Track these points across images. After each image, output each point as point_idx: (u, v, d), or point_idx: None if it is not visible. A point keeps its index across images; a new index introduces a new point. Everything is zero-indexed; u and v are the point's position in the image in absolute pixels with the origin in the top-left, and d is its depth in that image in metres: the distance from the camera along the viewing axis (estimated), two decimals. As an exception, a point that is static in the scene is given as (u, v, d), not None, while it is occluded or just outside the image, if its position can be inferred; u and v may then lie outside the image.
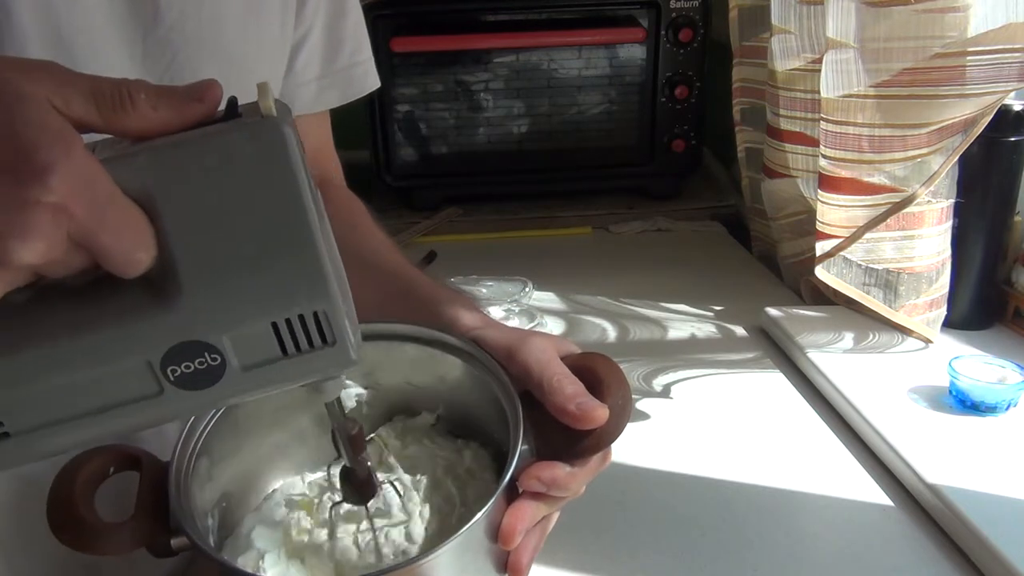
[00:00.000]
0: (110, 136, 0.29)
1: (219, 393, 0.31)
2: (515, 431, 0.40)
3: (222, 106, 0.30)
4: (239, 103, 0.30)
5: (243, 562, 0.42)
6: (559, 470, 0.41)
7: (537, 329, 0.92)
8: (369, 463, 0.41)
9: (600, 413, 0.40)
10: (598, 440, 0.41)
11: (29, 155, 0.25)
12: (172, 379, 0.30)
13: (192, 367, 0.30)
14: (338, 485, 0.42)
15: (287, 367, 0.31)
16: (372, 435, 0.47)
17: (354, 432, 0.40)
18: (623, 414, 0.41)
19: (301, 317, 0.30)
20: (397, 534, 0.43)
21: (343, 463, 0.41)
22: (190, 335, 0.29)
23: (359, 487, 0.41)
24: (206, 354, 0.30)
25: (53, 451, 0.31)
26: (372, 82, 0.71)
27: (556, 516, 0.45)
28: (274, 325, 0.30)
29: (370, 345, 0.48)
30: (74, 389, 0.29)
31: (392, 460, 0.47)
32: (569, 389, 0.41)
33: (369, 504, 0.42)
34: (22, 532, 0.50)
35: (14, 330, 0.28)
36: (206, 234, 0.29)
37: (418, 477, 0.46)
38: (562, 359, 0.44)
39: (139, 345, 0.29)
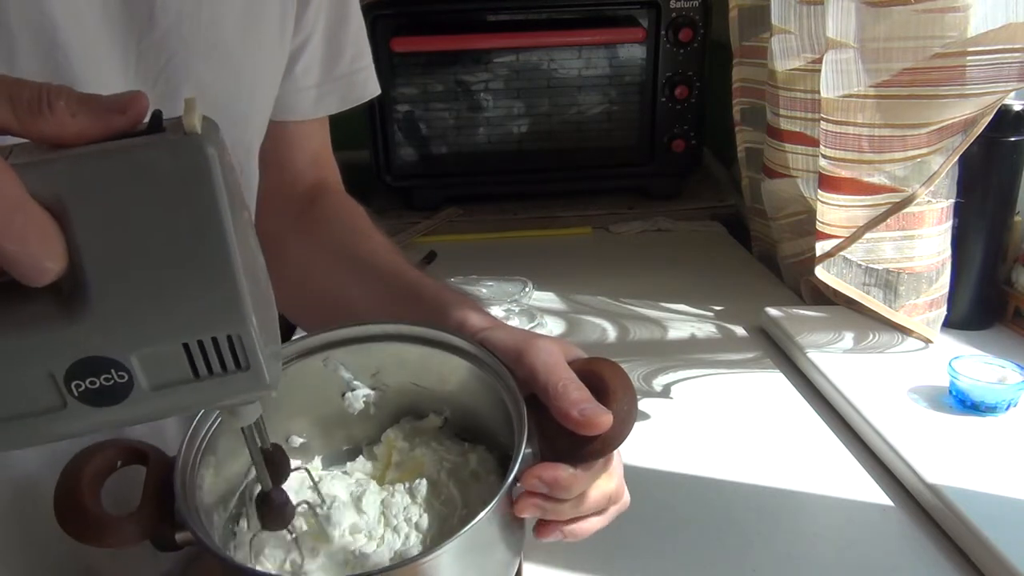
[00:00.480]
0: (28, 141, 0.28)
1: (125, 412, 0.30)
2: (519, 434, 0.40)
3: (148, 118, 0.29)
4: (164, 117, 0.29)
5: (245, 558, 0.42)
6: (561, 471, 0.41)
7: (537, 329, 0.92)
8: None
9: (604, 419, 0.40)
10: (602, 445, 0.41)
11: None
12: (76, 394, 0.29)
13: (98, 383, 0.29)
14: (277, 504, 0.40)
15: (198, 389, 0.30)
16: (300, 466, 0.46)
17: (278, 457, 0.39)
18: (628, 420, 0.41)
19: (214, 340, 0.29)
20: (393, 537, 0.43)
21: (258, 489, 0.40)
22: (96, 350, 0.28)
23: (271, 512, 0.40)
24: (113, 371, 0.29)
25: None
26: (372, 89, 0.71)
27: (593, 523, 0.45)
28: (185, 346, 0.29)
29: (377, 346, 0.48)
30: None
31: (315, 486, 0.46)
32: (574, 394, 0.41)
33: (289, 527, 0.41)
34: (20, 534, 0.50)
35: None
36: (119, 248, 0.28)
37: (417, 483, 0.46)
38: (569, 363, 0.43)
39: (43, 356, 0.28)
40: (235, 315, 0.29)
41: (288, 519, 0.40)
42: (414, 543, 0.43)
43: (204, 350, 0.29)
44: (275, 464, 0.39)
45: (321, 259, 0.62)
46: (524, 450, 0.40)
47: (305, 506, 0.44)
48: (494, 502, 0.38)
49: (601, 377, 0.43)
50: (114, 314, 0.28)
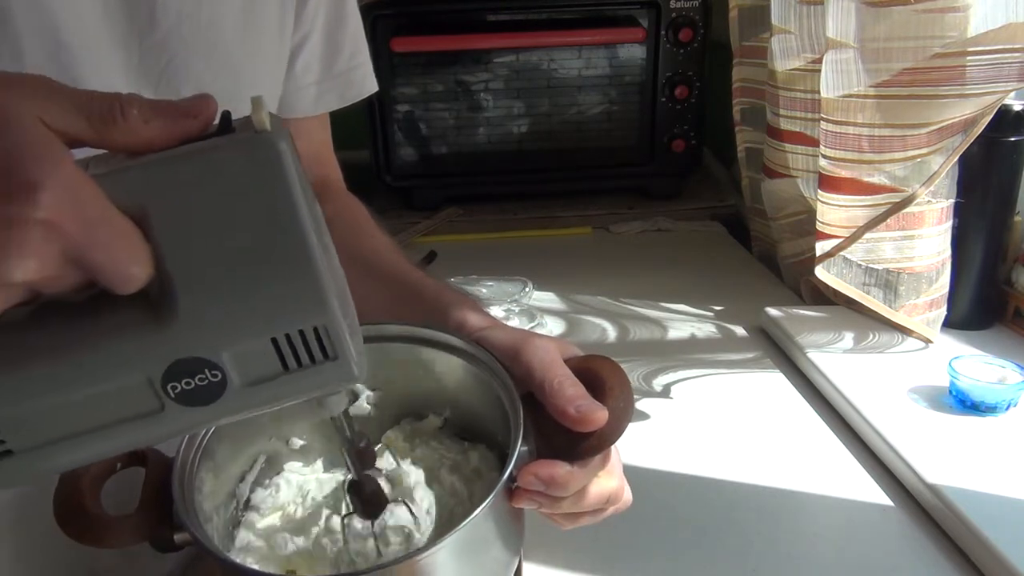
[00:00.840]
0: (104, 152, 0.29)
1: (221, 409, 0.30)
2: (515, 431, 0.41)
3: (217, 119, 0.30)
4: (233, 117, 0.30)
5: (243, 558, 0.42)
6: (558, 468, 0.41)
7: (537, 329, 0.92)
8: (380, 476, 0.41)
9: (599, 416, 0.40)
10: (599, 441, 0.41)
11: (16, 172, 0.25)
12: (173, 396, 0.30)
13: (193, 384, 0.29)
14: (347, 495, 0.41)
15: (289, 382, 0.31)
16: (379, 444, 0.47)
17: (362, 446, 0.40)
18: (624, 416, 0.42)
19: (301, 332, 0.30)
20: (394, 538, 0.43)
21: (351, 476, 0.40)
22: (190, 352, 0.29)
23: (366, 501, 0.41)
24: (206, 371, 0.29)
25: (56, 469, 0.31)
26: (370, 85, 0.71)
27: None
28: (274, 341, 0.30)
29: (376, 347, 0.48)
30: (75, 407, 0.29)
31: (404, 467, 0.47)
32: (569, 391, 0.41)
33: (376, 521, 0.42)
34: (22, 536, 0.50)
35: (14, 348, 0.28)
36: (202, 250, 0.28)
37: (421, 478, 0.46)
38: (566, 361, 0.44)
39: (139, 363, 0.29)
40: (319, 306, 0.30)
41: (383, 505, 0.41)
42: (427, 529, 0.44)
43: (292, 344, 0.30)
44: (361, 452, 0.40)
45: None
46: (520, 448, 0.40)
47: (400, 502, 0.44)
48: (489, 498, 0.38)
49: (597, 374, 0.43)
50: (203, 315, 0.29)
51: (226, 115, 0.30)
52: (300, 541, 0.44)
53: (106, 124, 0.28)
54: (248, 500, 0.47)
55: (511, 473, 0.40)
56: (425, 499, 0.45)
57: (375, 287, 0.58)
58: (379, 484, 0.41)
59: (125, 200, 0.27)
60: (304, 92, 0.66)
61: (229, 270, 0.29)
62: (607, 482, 0.45)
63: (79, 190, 0.26)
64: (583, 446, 0.41)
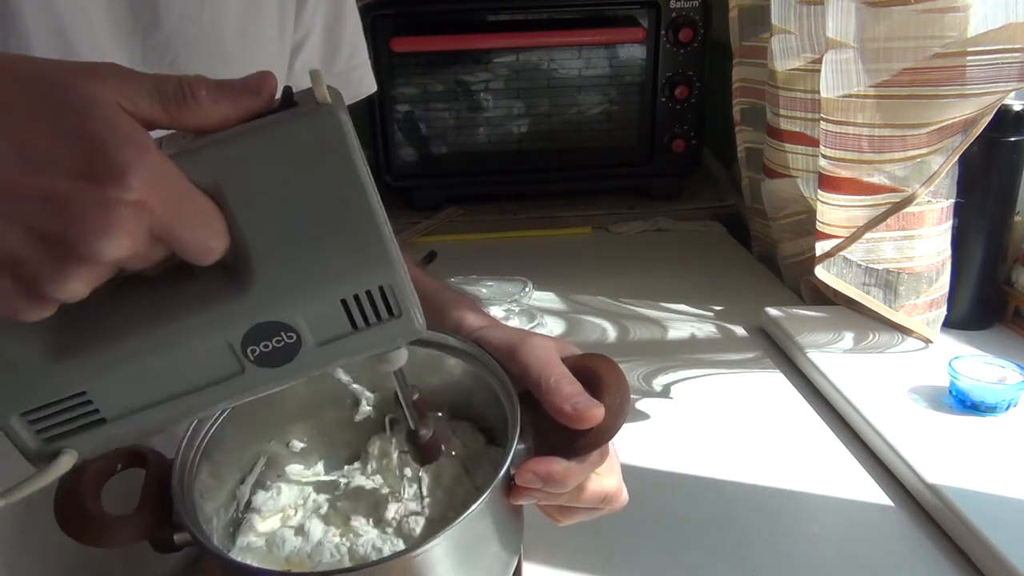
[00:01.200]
0: (173, 131, 0.30)
1: (296, 368, 0.32)
2: (512, 429, 0.41)
3: (278, 95, 0.31)
4: (294, 92, 0.31)
5: (243, 559, 0.42)
6: (555, 464, 0.41)
7: (537, 329, 0.92)
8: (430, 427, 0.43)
9: (596, 413, 0.41)
10: (595, 438, 0.41)
11: (106, 157, 0.26)
12: (252, 358, 0.32)
13: (270, 346, 0.31)
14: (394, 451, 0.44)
15: (358, 340, 0.33)
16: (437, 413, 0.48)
17: (416, 398, 0.41)
18: (620, 413, 0.42)
19: (368, 292, 0.32)
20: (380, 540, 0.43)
21: (407, 427, 0.42)
22: (266, 316, 0.31)
23: (423, 449, 0.42)
24: (282, 333, 0.31)
25: (146, 432, 0.33)
26: (369, 86, 0.72)
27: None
28: (343, 302, 0.32)
29: None
30: (162, 374, 0.31)
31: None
32: (566, 389, 0.41)
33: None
34: (25, 534, 0.50)
35: (102, 321, 0.30)
36: (273, 220, 0.30)
37: (421, 473, 0.46)
38: (563, 360, 0.44)
39: (220, 329, 0.31)
40: (385, 267, 0.31)
41: (438, 452, 0.43)
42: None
43: (360, 303, 0.32)
44: (416, 404, 0.42)
45: None
46: (517, 445, 0.40)
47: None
48: (486, 495, 0.38)
49: (594, 372, 0.43)
50: (277, 281, 0.30)
51: (287, 90, 0.31)
52: (299, 542, 0.44)
53: (178, 106, 0.29)
54: (249, 502, 0.47)
55: (508, 471, 0.40)
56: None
57: None
58: (435, 434, 0.42)
59: (200, 177, 0.29)
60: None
61: (300, 237, 0.30)
62: (606, 480, 0.45)
63: (163, 171, 0.27)
64: (580, 443, 0.41)
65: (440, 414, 0.50)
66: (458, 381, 0.48)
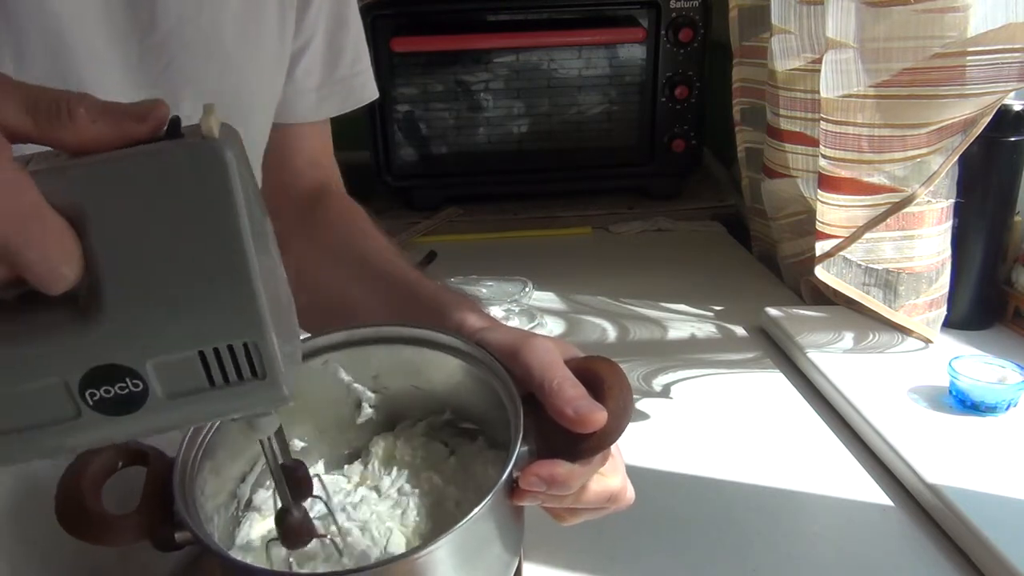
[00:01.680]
0: (48, 149, 0.28)
1: (140, 421, 0.29)
2: (515, 432, 0.41)
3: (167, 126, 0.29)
4: (182, 124, 0.29)
5: (243, 557, 0.42)
6: (558, 467, 0.41)
7: (537, 329, 0.92)
8: (317, 504, 0.41)
9: (598, 416, 0.40)
10: (598, 441, 0.41)
11: None
12: (91, 403, 0.29)
13: (112, 392, 0.29)
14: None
15: (214, 398, 0.30)
16: (316, 475, 0.46)
17: (299, 473, 0.39)
18: (623, 416, 0.42)
19: (230, 347, 0.29)
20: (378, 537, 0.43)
21: (275, 505, 0.39)
22: (110, 358, 0.28)
23: (287, 531, 0.39)
24: (127, 379, 0.29)
25: None
26: (371, 92, 0.72)
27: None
28: (201, 354, 0.29)
29: (376, 348, 0.48)
30: None
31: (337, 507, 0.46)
32: (568, 392, 0.41)
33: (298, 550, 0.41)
34: (24, 533, 0.50)
35: None
36: (135, 255, 0.28)
37: (412, 486, 0.46)
38: (565, 362, 0.44)
39: (58, 364, 0.28)
40: (251, 322, 0.29)
41: (306, 539, 0.40)
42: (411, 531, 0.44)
43: (220, 358, 0.29)
44: (296, 480, 0.39)
45: (322, 261, 0.63)
46: (520, 448, 0.40)
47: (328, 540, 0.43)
48: (488, 498, 0.38)
49: (596, 374, 0.43)
50: (129, 321, 0.28)
51: (175, 120, 0.29)
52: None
53: (51, 122, 0.27)
54: (249, 500, 0.47)
55: (511, 473, 0.40)
56: (393, 517, 0.45)
57: (373, 288, 0.58)
58: (306, 514, 0.39)
59: (62, 198, 0.27)
60: (305, 97, 0.66)
61: (161, 277, 0.28)
62: (610, 480, 0.45)
63: (12, 184, 0.25)
64: (583, 446, 0.41)
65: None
66: (460, 382, 0.47)
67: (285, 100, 0.64)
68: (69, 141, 0.28)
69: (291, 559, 0.42)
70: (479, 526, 0.39)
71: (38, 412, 0.29)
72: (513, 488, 0.41)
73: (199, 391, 0.29)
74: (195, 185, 0.28)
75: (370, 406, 0.49)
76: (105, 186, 0.27)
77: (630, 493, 0.47)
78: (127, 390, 0.29)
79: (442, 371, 0.48)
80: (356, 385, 0.49)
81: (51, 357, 0.28)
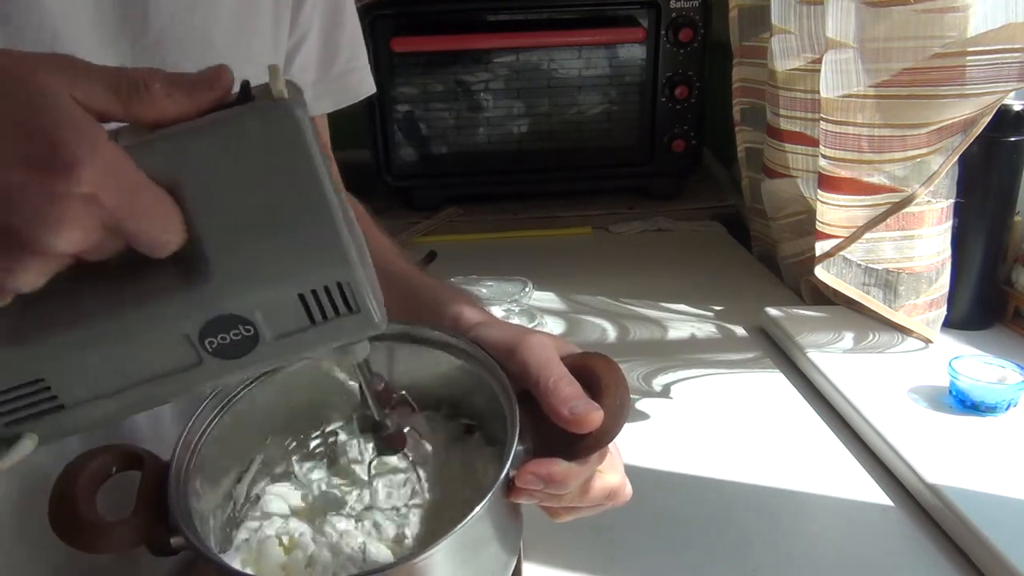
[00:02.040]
0: (128, 124, 0.30)
1: (254, 360, 0.32)
2: (512, 429, 0.41)
3: (236, 88, 0.31)
4: (251, 85, 0.31)
5: (236, 561, 0.42)
6: (555, 466, 0.41)
7: (537, 329, 0.92)
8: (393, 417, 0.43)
9: (594, 416, 0.40)
10: (595, 441, 0.41)
11: (58, 149, 0.26)
12: (210, 350, 0.32)
13: (228, 338, 0.31)
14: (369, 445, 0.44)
15: (316, 334, 0.32)
16: (402, 392, 0.47)
17: (380, 388, 0.41)
18: (620, 415, 0.41)
19: (326, 288, 0.31)
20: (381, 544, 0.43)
21: (371, 419, 0.42)
22: (223, 310, 0.31)
23: (388, 439, 0.42)
24: (240, 326, 0.31)
25: (104, 421, 0.33)
26: (368, 87, 0.71)
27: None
28: (301, 296, 0.31)
29: (372, 345, 0.48)
30: (121, 363, 0.32)
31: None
32: (564, 391, 0.41)
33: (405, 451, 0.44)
34: (24, 532, 0.50)
35: (61, 310, 0.30)
36: (229, 214, 0.30)
37: (419, 475, 0.46)
38: (562, 359, 0.43)
39: (177, 321, 0.31)
40: (341, 264, 0.31)
41: (403, 443, 0.43)
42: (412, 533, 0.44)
43: (318, 298, 0.32)
44: (380, 394, 0.42)
45: None
46: (516, 447, 0.40)
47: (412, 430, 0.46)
48: (486, 499, 0.38)
49: (593, 371, 0.43)
50: (233, 275, 0.30)
51: (245, 84, 0.31)
52: (296, 541, 0.44)
53: (132, 100, 0.29)
54: (245, 501, 0.47)
55: (508, 472, 0.40)
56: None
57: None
58: (398, 424, 0.42)
59: (155, 170, 0.29)
60: None
61: (255, 232, 0.30)
62: (609, 477, 0.45)
63: (116, 164, 0.27)
64: (580, 445, 0.41)
65: (414, 408, 0.49)
66: (456, 379, 0.47)
67: None
68: (151, 116, 0.29)
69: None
70: (477, 527, 0.39)
71: (165, 363, 0.32)
72: (510, 486, 0.41)
73: (303, 329, 0.32)
74: (272, 145, 0.30)
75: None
76: (193, 155, 0.30)
77: (628, 489, 0.47)
78: (241, 336, 0.32)
79: (438, 368, 0.48)
80: (350, 383, 0.49)
81: (169, 315, 0.31)
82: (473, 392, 0.46)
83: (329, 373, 0.49)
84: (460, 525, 0.37)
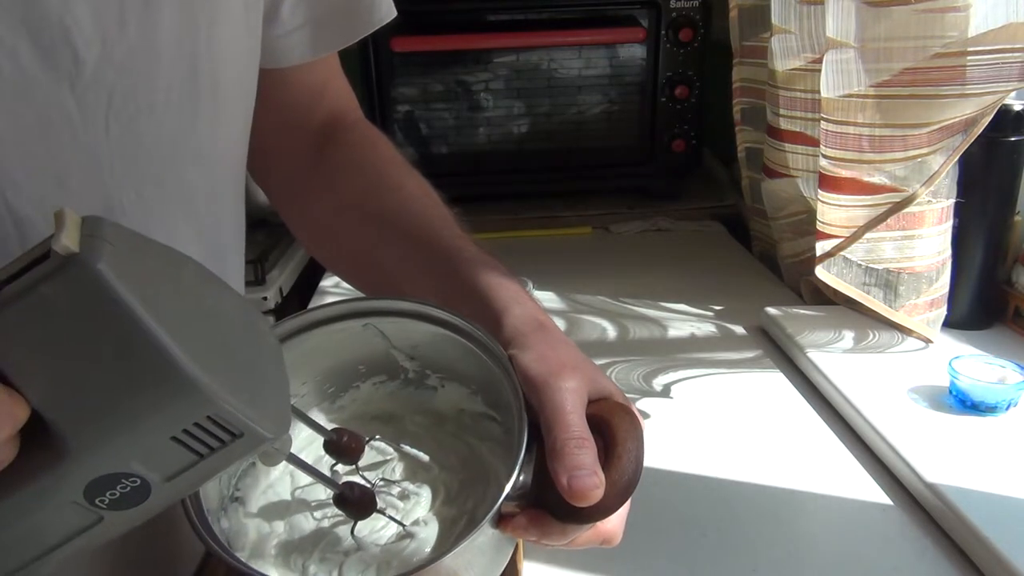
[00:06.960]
0: None
1: (155, 503, 0.31)
2: (515, 461, 0.39)
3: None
4: (61, 215, 0.28)
5: (249, 559, 0.42)
6: (551, 525, 0.39)
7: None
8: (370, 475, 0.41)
9: (594, 494, 0.37)
10: (589, 514, 0.38)
11: None
12: (105, 506, 0.30)
13: (117, 493, 0.30)
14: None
15: (209, 465, 0.31)
16: (376, 436, 0.47)
17: (344, 441, 0.39)
18: (623, 493, 0.39)
19: (196, 424, 0.29)
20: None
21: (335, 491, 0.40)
22: (97, 473, 0.29)
23: (357, 506, 0.40)
24: (124, 480, 0.30)
25: None
26: (387, 11, 0.62)
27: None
28: (175, 439, 0.29)
29: (415, 324, 0.46)
30: (28, 535, 0.30)
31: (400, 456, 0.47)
32: (570, 458, 0.38)
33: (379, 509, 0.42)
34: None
35: None
36: (64, 382, 0.28)
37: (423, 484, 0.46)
38: (591, 402, 0.41)
39: (56, 493, 0.29)
40: (200, 400, 0.29)
41: (372, 505, 0.40)
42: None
43: (193, 435, 0.29)
44: (343, 449, 0.40)
45: (347, 219, 0.58)
46: (517, 477, 0.39)
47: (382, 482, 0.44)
48: (486, 518, 0.37)
49: (611, 428, 0.40)
50: (90, 442, 0.29)
51: (47, 239, 0.28)
52: (285, 536, 0.44)
53: None
54: (235, 493, 0.47)
55: (499, 508, 0.38)
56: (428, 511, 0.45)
57: (406, 252, 0.54)
58: (361, 486, 0.40)
59: None
60: (298, 34, 0.57)
61: (99, 392, 0.28)
62: (607, 525, 0.43)
63: None
64: (574, 513, 0.38)
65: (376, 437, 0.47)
66: (486, 378, 0.45)
67: (269, 47, 0.56)
68: None
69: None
70: (460, 556, 0.38)
71: (71, 525, 0.31)
72: (502, 518, 0.39)
73: (191, 465, 0.30)
74: (79, 304, 0.27)
75: (410, 373, 0.49)
76: (3, 337, 0.27)
77: (620, 534, 0.45)
78: (129, 487, 0.30)
79: (462, 357, 0.46)
80: (393, 351, 0.48)
81: (50, 490, 0.29)
82: (500, 392, 0.45)
83: (376, 337, 0.47)
84: (460, 542, 0.36)
